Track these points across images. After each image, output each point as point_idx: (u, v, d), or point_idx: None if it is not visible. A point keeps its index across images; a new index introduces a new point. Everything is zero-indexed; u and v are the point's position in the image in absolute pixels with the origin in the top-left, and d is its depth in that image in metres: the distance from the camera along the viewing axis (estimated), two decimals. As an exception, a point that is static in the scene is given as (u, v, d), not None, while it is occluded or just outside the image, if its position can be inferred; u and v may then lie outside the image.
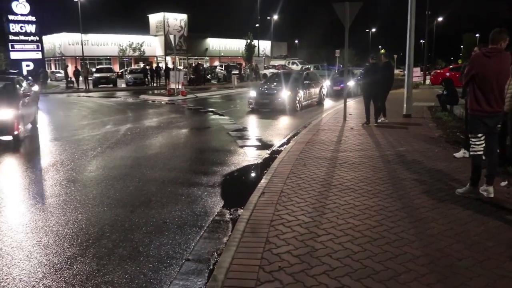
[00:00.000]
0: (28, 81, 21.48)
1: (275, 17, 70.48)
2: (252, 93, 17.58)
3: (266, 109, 16.75)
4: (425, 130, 11.09)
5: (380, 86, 12.09)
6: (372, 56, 12.81)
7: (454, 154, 7.96)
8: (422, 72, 36.39)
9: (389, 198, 5.62)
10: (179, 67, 42.84)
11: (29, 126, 12.97)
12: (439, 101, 14.73)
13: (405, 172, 6.98)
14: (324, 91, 20.55)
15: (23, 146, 10.61)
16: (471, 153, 5.65)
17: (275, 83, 18.32)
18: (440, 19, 63.95)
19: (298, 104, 16.89)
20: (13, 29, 35.64)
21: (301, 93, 17.25)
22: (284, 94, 16.60)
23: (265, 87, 18.32)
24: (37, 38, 37.23)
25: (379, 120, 12.27)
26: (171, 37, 28.53)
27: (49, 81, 41.79)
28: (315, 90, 19.11)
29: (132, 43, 62.43)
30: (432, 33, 53.37)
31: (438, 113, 13.79)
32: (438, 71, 34.37)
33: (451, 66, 35.05)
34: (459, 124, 11.18)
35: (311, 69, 38.86)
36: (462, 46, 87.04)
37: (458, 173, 6.76)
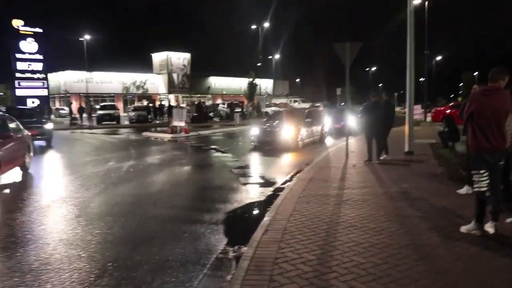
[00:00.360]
0: (43, 118, 20.96)
1: (277, 56, 71.73)
2: (255, 131, 17.69)
3: (269, 147, 16.81)
4: (428, 167, 11.11)
5: (381, 123, 12.18)
6: (373, 95, 12.95)
7: (457, 191, 7.94)
8: (423, 110, 36.70)
9: (393, 236, 5.58)
10: (182, 105, 43.29)
11: (18, 171, 11.51)
12: (440, 138, 14.79)
13: (408, 209, 6.95)
14: (326, 128, 20.68)
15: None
16: (475, 189, 5.64)
17: (277, 121, 18.45)
18: (439, 58, 65.03)
19: (300, 142, 16.97)
20: (20, 67, 36.29)
21: (303, 131, 17.35)
22: (286, 132, 16.70)
23: (267, 125, 18.44)
24: (43, 76, 37.85)
25: (381, 158, 12.30)
26: (174, 75, 29.05)
27: (53, 117, 42.20)
28: (317, 128, 19.23)
29: (136, 81, 63.31)
30: (432, 71, 54.09)
31: (440, 150, 13.82)
32: (439, 108, 34.69)
33: (451, 104, 35.38)
34: (461, 161, 11.15)
35: (321, 107, 39.65)
36: (461, 84, 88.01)
37: (462, 209, 6.73)
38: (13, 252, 5.59)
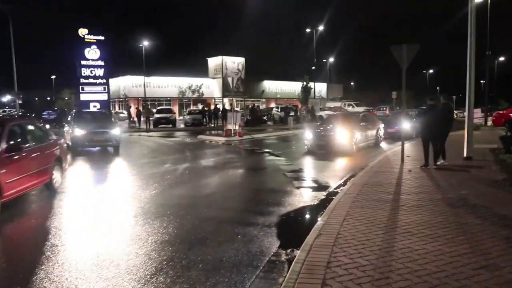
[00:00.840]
0: (111, 122, 19.51)
1: (331, 59, 71.13)
2: (308, 135, 17.65)
3: (322, 151, 16.72)
4: (488, 173, 10.67)
5: (439, 127, 11.83)
6: (429, 98, 12.61)
7: (520, 199, 7.60)
8: (483, 113, 35.21)
9: (450, 243, 5.42)
10: (236, 109, 43.86)
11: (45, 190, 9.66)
12: (502, 143, 14.16)
13: (467, 216, 6.72)
14: (381, 132, 20.30)
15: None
16: None
17: (331, 125, 18.32)
18: (501, 58, 62.22)
19: (354, 146, 16.75)
20: (84, 73, 38.29)
21: (357, 135, 17.13)
22: (341, 136, 16.55)
23: (321, 128, 18.33)
24: (105, 81, 39.63)
25: (438, 163, 11.94)
26: (229, 79, 29.50)
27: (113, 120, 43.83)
28: (371, 132, 18.92)
29: (191, 85, 64.64)
30: (493, 73, 51.81)
31: (501, 156, 13.24)
32: (501, 112, 33.16)
33: (514, 107, 33.69)
34: (525, 168, 10.68)
35: (387, 111, 39.59)
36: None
37: (525, 218, 6.44)
38: (73, 250, 5.89)
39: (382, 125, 20.96)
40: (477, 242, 5.46)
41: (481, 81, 48.77)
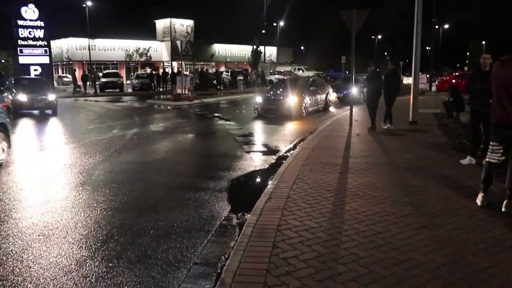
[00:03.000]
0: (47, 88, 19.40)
1: (281, 23, 70.75)
2: (258, 99, 17.65)
3: (272, 115, 16.81)
4: (431, 137, 11.11)
5: (386, 92, 12.14)
6: (369, 64, 12.89)
7: (460, 161, 7.97)
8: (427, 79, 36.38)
9: (395, 204, 5.64)
10: (185, 73, 43.02)
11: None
12: (445, 108, 14.75)
13: (411, 178, 6.99)
14: (330, 97, 20.60)
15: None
16: (486, 159, 5.61)
17: (281, 89, 18.37)
18: (446, 26, 64.00)
19: (304, 110, 16.94)
20: (22, 34, 36.05)
21: (307, 99, 17.30)
22: (290, 100, 16.65)
23: (271, 93, 18.38)
24: (45, 43, 37.57)
25: (385, 127, 12.30)
26: (178, 42, 28.91)
27: (55, 85, 42.08)
28: (321, 97, 19.16)
29: (139, 48, 62.74)
30: (438, 40, 53.30)
31: (444, 120, 13.80)
32: (444, 78, 34.36)
33: (457, 73, 34.97)
34: (465, 131, 11.18)
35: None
36: (468, 53, 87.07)
37: (464, 179, 6.78)
38: (20, 217, 5.69)
39: (331, 90, 21.26)
40: (420, 203, 5.71)
41: (427, 48, 50.11)
